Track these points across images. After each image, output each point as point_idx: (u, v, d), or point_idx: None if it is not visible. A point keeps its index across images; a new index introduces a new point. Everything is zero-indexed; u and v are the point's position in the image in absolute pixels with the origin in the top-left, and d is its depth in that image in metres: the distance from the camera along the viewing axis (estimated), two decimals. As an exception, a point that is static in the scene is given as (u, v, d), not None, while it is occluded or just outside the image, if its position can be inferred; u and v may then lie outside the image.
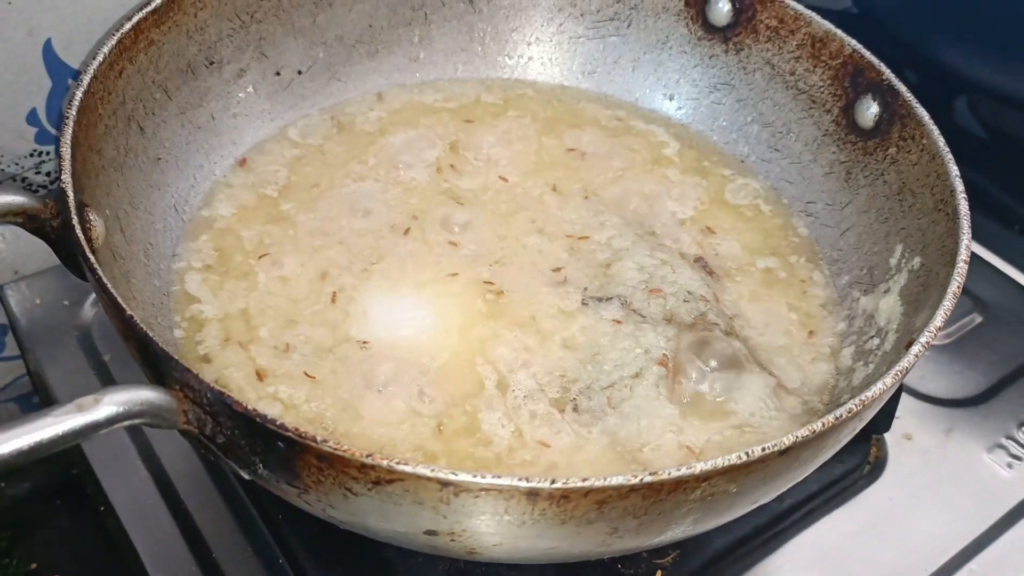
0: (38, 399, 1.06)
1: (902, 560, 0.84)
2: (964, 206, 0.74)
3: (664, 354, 0.79)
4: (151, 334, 0.58)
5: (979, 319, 1.04)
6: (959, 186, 0.75)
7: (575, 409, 0.76)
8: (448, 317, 0.82)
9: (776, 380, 0.80)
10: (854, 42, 0.89)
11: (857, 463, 0.89)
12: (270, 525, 0.81)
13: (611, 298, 0.84)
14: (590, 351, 0.80)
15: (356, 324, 0.81)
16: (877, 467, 0.90)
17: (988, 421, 0.95)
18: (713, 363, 0.80)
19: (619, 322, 0.81)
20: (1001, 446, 0.93)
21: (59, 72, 0.93)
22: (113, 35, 0.79)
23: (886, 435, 0.92)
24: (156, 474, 0.85)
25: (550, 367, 0.78)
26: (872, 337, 0.80)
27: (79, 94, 0.73)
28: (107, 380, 0.92)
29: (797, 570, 0.82)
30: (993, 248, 1.11)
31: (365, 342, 0.79)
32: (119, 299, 0.60)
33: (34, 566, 0.98)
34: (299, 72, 0.99)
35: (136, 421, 0.55)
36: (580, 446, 0.74)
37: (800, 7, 0.93)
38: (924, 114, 0.81)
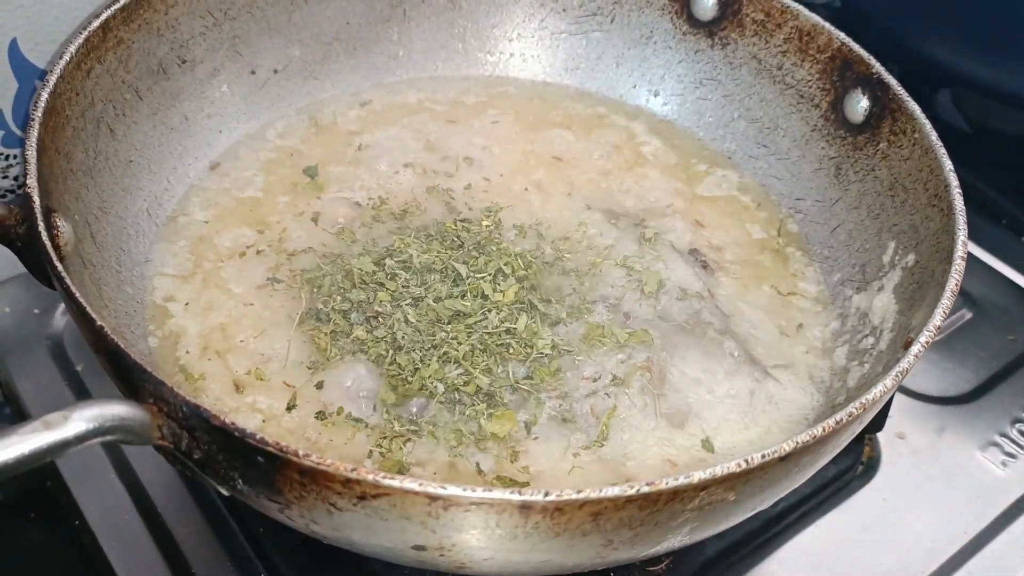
0: (9, 410, 1.03)
1: (898, 563, 0.83)
2: (959, 201, 0.72)
3: (648, 357, 0.77)
4: (123, 345, 0.55)
5: (968, 315, 1.03)
6: (953, 181, 0.74)
7: (560, 419, 0.74)
8: (424, 321, 0.79)
9: (770, 380, 0.78)
10: (842, 35, 0.87)
11: (850, 464, 0.88)
12: (251, 539, 0.78)
13: (595, 301, 0.81)
14: (573, 357, 0.77)
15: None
16: (870, 467, 0.89)
17: (980, 419, 0.94)
18: (703, 364, 0.78)
19: (603, 325, 0.79)
20: (995, 444, 0.92)
21: (25, 73, 0.90)
22: (80, 33, 0.76)
23: (879, 434, 0.90)
24: (131, 486, 0.82)
25: (533, 373, 0.76)
26: (866, 336, 0.78)
27: (45, 95, 0.70)
28: (80, 390, 0.89)
29: (792, 574, 0.81)
30: (981, 243, 1.10)
31: (345, 348, 0.77)
32: (88, 309, 0.57)
33: (7, 581, 0.95)
34: (275, 71, 0.96)
35: (107, 438, 0.52)
36: (564, 457, 0.72)
37: (787, 0, 0.91)
38: (915, 108, 0.80)
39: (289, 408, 0.73)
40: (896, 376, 0.60)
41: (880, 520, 0.85)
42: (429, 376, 0.73)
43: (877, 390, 0.59)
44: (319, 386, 0.74)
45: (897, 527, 0.85)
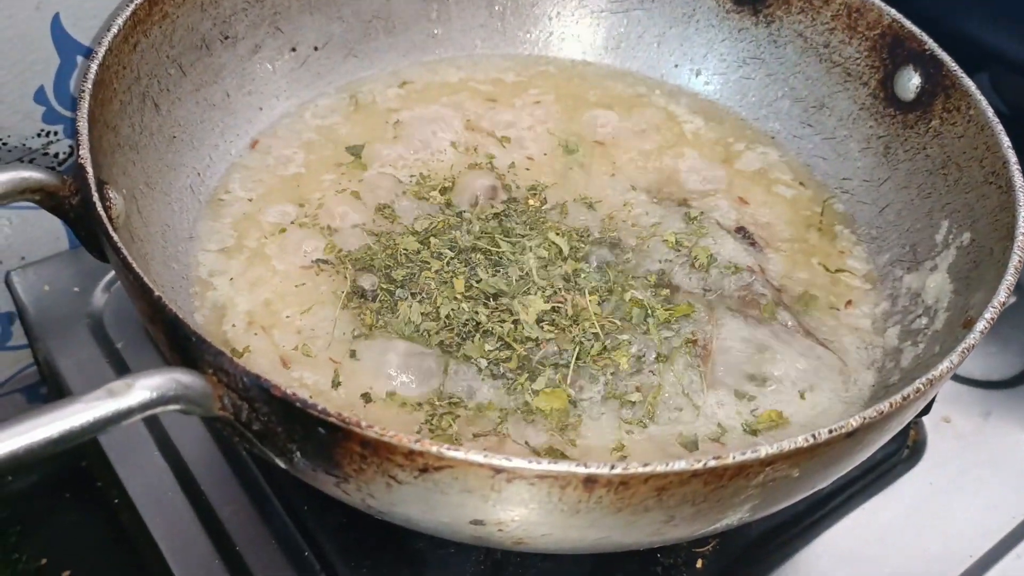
0: (46, 389, 1.03)
1: (945, 547, 0.82)
2: (1019, 178, 0.71)
3: (693, 331, 0.76)
4: (181, 315, 0.55)
5: (1014, 299, 1.01)
6: (1012, 157, 0.72)
7: (607, 396, 0.73)
8: (468, 299, 0.79)
9: (823, 357, 0.77)
10: (893, 11, 0.86)
11: (896, 447, 0.87)
12: (294, 516, 0.78)
13: (640, 277, 0.81)
14: (620, 335, 0.76)
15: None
16: (916, 451, 0.88)
17: (1027, 403, 0.93)
18: (753, 338, 0.77)
19: (646, 301, 0.78)
20: (1041, 428, 0.91)
21: (68, 48, 0.89)
22: (127, 6, 0.76)
23: (924, 418, 0.89)
24: (174, 463, 0.82)
25: (581, 351, 0.75)
26: (919, 316, 0.77)
27: (94, 67, 0.70)
28: (121, 369, 0.89)
29: (837, 558, 0.80)
30: (1024, 226, 1.08)
31: (391, 324, 0.76)
32: (146, 279, 0.57)
33: (44, 561, 0.95)
34: (315, 48, 0.95)
35: (170, 407, 0.51)
36: (613, 434, 0.71)
37: (836, -23, 0.90)
38: (970, 84, 0.79)
39: (335, 384, 0.73)
40: (962, 353, 0.59)
41: (926, 504, 0.84)
42: (473, 352, 0.73)
43: (944, 366, 0.58)
44: (356, 356, 0.74)
45: (943, 512, 0.84)
